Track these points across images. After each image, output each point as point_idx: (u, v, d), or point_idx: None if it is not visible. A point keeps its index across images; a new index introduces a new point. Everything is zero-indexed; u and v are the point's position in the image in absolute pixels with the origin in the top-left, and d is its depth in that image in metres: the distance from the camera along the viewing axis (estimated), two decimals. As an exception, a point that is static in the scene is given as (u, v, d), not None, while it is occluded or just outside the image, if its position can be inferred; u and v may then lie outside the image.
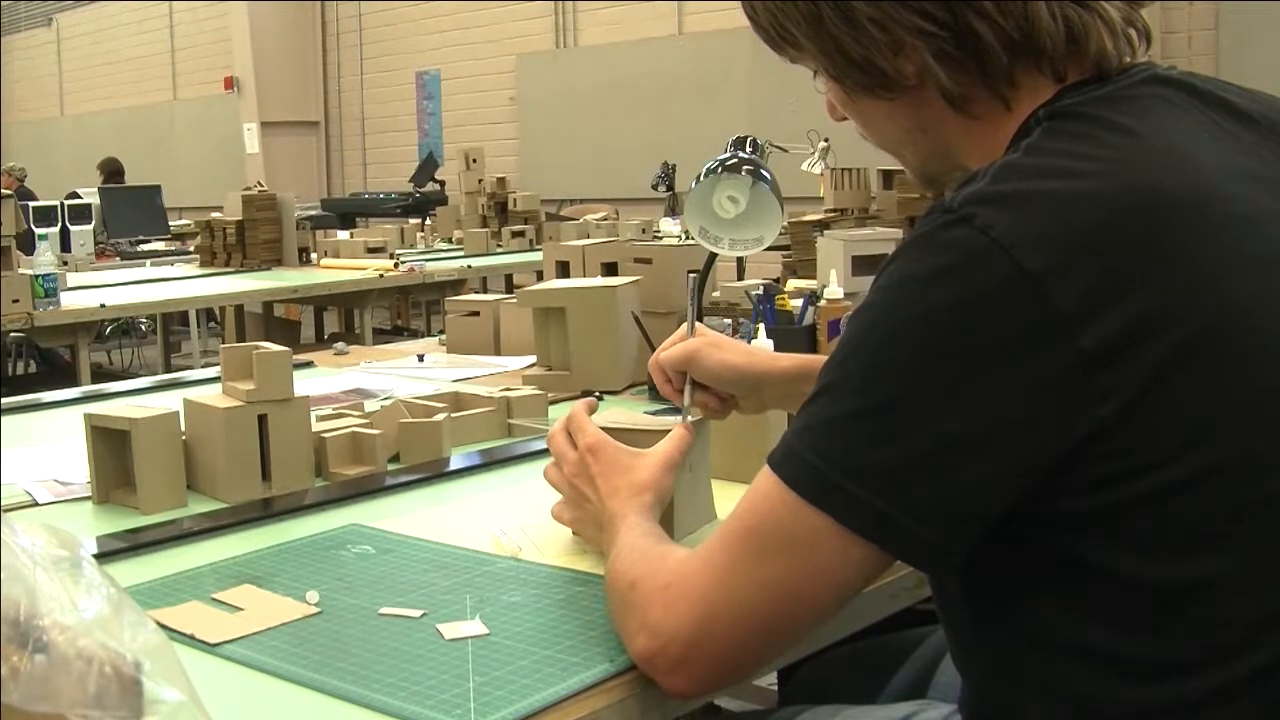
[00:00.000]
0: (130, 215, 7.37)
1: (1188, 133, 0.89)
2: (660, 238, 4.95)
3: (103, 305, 4.30)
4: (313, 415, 1.53)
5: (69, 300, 4.23)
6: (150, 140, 14.46)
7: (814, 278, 2.88)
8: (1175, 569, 0.83)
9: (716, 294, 3.40)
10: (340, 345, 2.60)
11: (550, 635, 1.02)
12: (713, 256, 1.88)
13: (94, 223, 6.66)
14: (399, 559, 1.23)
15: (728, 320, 3.38)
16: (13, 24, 17.53)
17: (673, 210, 6.44)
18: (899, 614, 1.21)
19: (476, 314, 2.44)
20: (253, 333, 5.88)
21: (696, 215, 1.78)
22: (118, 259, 6.71)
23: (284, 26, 12.83)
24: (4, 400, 2.10)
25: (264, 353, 1.46)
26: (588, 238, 4.47)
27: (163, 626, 0.83)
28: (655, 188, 7.17)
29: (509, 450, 1.66)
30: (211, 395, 1.49)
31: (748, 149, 1.83)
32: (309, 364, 2.38)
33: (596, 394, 1.91)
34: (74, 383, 3.62)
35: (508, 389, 1.84)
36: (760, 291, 2.08)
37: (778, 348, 1.58)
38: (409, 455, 1.60)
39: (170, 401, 1.50)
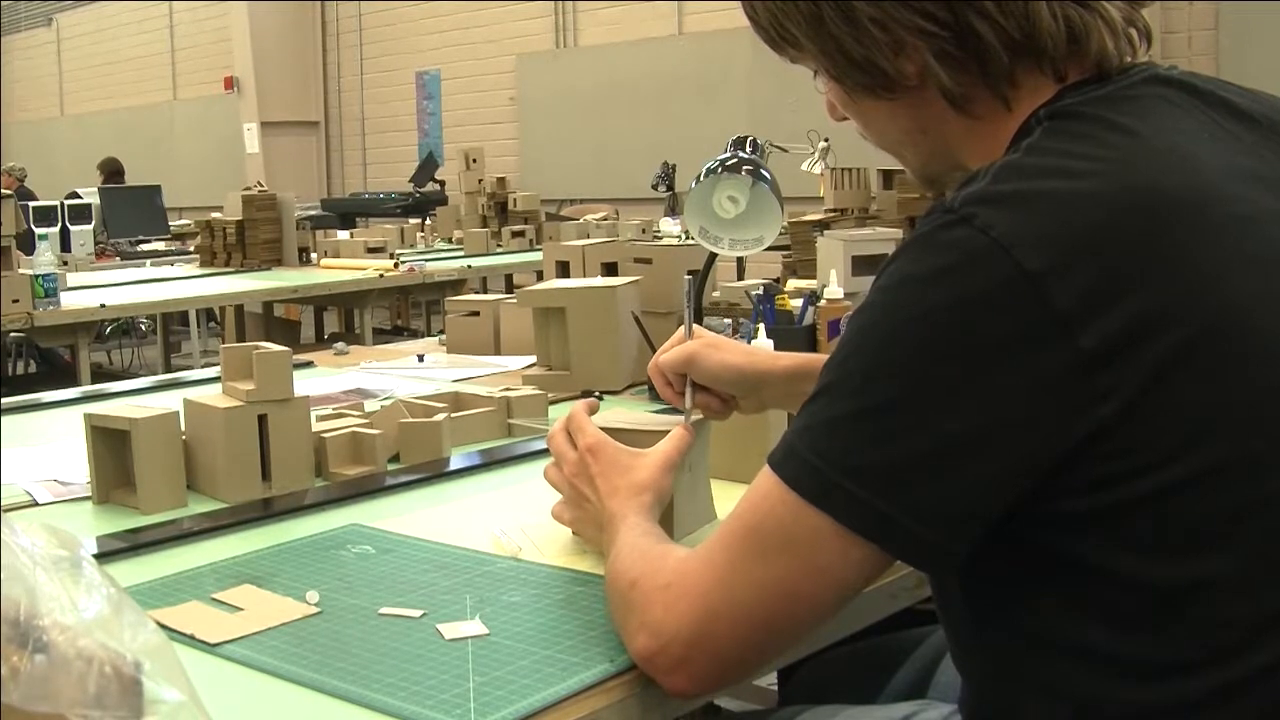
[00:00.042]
0: (130, 215, 7.37)
1: (1188, 133, 0.89)
2: (660, 238, 4.95)
3: (103, 305, 4.30)
4: (313, 415, 1.53)
5: (69, 300, 4.23)
6: (150, 140, 14.46)
7: (814, 278, 2.88)
8: (1175, 569, 0.83)
9: (716, 294, 3.40)
10: (340, 345, 2.60)
11: (550, 635, 1.02)
12: (713, 256, 1.89)
13: (94, 223, 6.66)
14: (399, 559, 1.23)
15: (728, 320, 3.38)
16: (13, 24, 17.53)
17: (673, 210, 6.44)
18: (899, 614, 1.21)
19: (476, 314, 2.44)
20: (253, 333, 5.88)
21: (696, 215, 1.78)
22: (118, 259, 6.71)
23: (284, 26, 12.84)
24: (4, 400, 2.10)
25: (264, 353, 1.46)
26: (588, 238, 4.47)
27: (163, 626, 0.83)
28: (655, 188, 7.17)
29: (509, 450, 1.66)
30: (211, 395, 1.49)
31: (748, 149, 1.83)
32: (309, 364, 2.38)
33: (597, 394, 1.91)
34: (74, 383, 3.62)
35: (508, 389, 1.84)
36: (760, 291, 2.08)
37: (778, 348, 1.58)
38: (409, 455, 1.60)
39: (170, 401, 1.50)
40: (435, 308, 6.78)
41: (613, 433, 1.20)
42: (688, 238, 2.33)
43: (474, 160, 6.40)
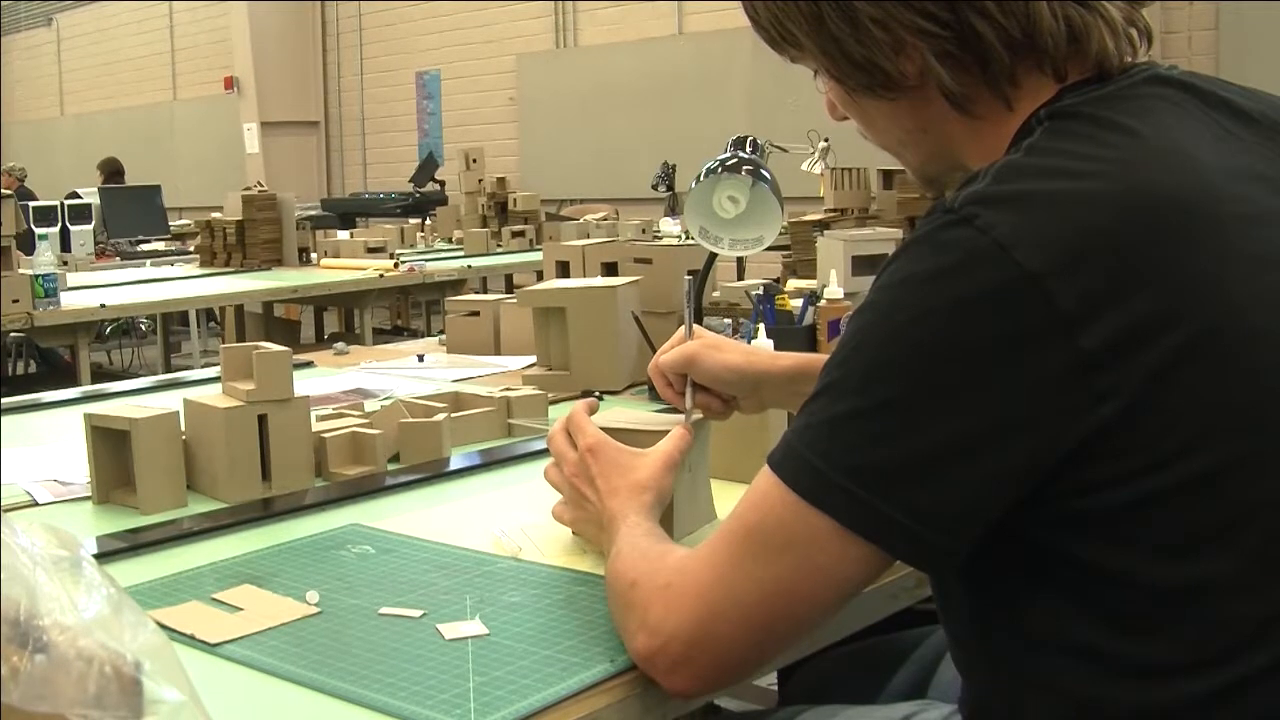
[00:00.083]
0: (130, 215, 7.37)
1: (1189, 132, 0.89)
2: (660, 238, 4.95)
3: (103, 305, 4.30)
4: (313, 415, 1.53)
5: (69, 300, 4.23)
6: (150, 140, 14.46)
7: (814, 278, 2.88)
8: (1176, 569, 0.82)
9: (716, 294, 3.40)
10: (340, 345, 2.60)
11: (550, 635, 1.02)
12: (713, 256, 1.89)
13: (94, 223, 6.66)
14: (399, 559, 1.23)
15: (728, 320, 3.38)
16: (13, 24, 17.53)
17: (673, 210, 6.44)
18: (899, 614, 1.21)
19: (476, 314, 2.44)
20: (253, 333, 5.88)
21: (696, 215, 1.78)
22: (118, 259, 6.71)
23: (284, 26, 12.84)
24: (4, 400, 2.10)
25: (264, 353, 1.46)
26: (588, 238, 4.47)
27: (163, 626, 0.83)
28: (655, 188, 7.18)
29: (509, 450, 1.66)
30: (211, 395, 1.49)
31: (748, 149, 1.83)
32: (309, 364, 2.38)
33: (597, 394, 1.91)
34: (74, 383, 3.62)
35: (508, 389, 1.84)
36: (760, 291, 2.08)
37: (778, 348, 1.58)
38: (409, 455, 1.60)
39: (170, 401, 1.50)
40: (435, 308, 6.78)
41: (613, 432, 1.20)
42: (688, 238, 2.33)
43: (474, 160, 6.40)
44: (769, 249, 1.90)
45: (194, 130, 14.25)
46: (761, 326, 1.85)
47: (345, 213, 9.21)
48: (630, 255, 2.32)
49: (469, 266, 5.42)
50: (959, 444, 0.82)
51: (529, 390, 1.83)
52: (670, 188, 7.04)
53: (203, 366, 3.99)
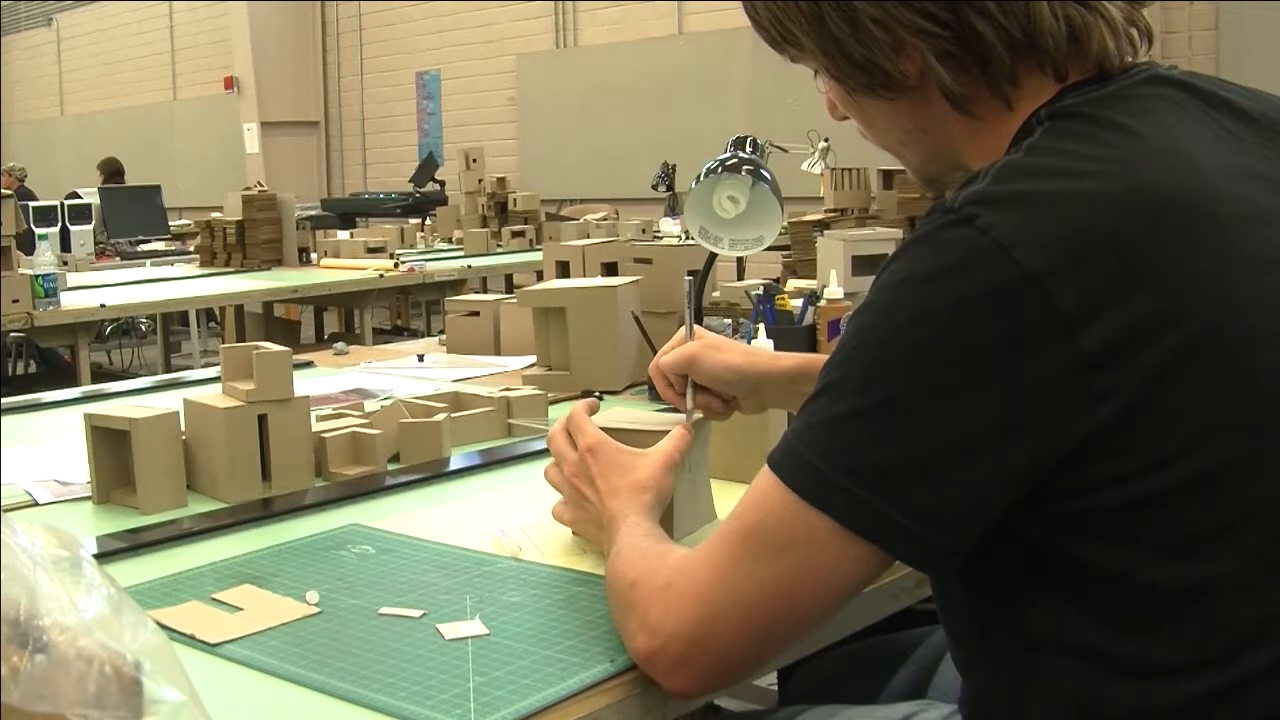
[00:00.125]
0: (130, 215, 7.37)
1: (1190, 132, 0.89)
2: (660, 238, 4.96)
3: (103, 305, 4.30)
4: (313, 415, 1.53)
5: (69, 300, 4.23)
6: (150, 140, 14.46)
7: (814, 278, 2.88)
8: (1176, 569, 0.82)
9: (716, 294, 3.40)
10: (340, 345, 2.60)
11: (550, 635, 1.02)
12: (713, 256, 1.89)
13: (94, 223, 6.66)
14: (399, 559, 1.23)
15: (728, 320, 3.38)
16: (13, 24, 17.53)
17: (673, 210, 6.44)
18: (899, 614, 1.21)
19: (476, 314, 2.44)
20: (253, 333, 5.88)
21: (696, 215, 1.78)
22: (118, 259, 6.71)
23: (284, 26, 12.84)
24: (4, 400, 2.10)
25: (264, 353, 1.46)
26: (588, 238, 4.47)
27: (163, 626, 0.83)
28: (655, 188, 7.17)
29: (509, 450, 1.66)
30: (211, 395, 1.49)
31: (748, 149, 1.83)
32: (309, 364, 2.38)
33: (597, 394, 1.91)
34: (74, 383, 3.62)
35: (508, 389, 1.84)
36: (760, 291, 2.08)
37: (778, 348, 1.58)
38: (409, 455, 1.60)
39: (170, 401, 1.50)
40: (435, 308, 6.78)
41: (613, 432, 1.20)
42: (688, 238, 2.33)
43: (474, 160, 6.40)
44: (769, 249, 1.90)
45: (194, 130, 14.25)
46: (761, 326, 1.85)
47: (345, 213, 9.21)
48: (630, 255, 2.32)
49: (469, 266, 5.42)
50: (959, 444, 0.82)
51: (529, 390, 1.83)
52: (670, 188, 7.04)
53: (203, 366, 3.99)
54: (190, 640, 1.02)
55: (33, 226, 5.57)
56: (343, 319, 6.47)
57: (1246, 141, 0.91)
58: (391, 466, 1.58)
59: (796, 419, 0.90)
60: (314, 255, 5.51)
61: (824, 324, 2.01)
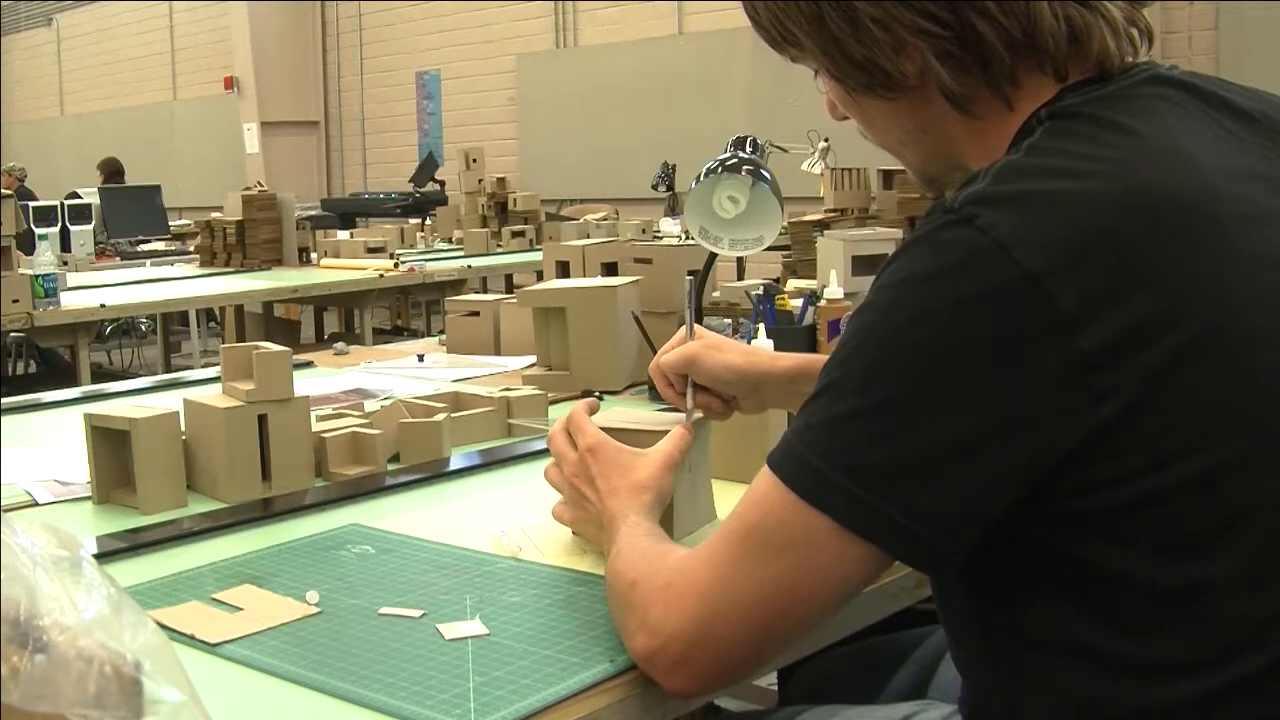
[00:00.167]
0: (130, 215, 7.37)
1: (1190, 132, 0.89)
2: (660, 238, 4.95)
3: (103, 305, 4.30)
4: (313, 415, 1.53)
5: (69, 300, 4.23)
6: (150, 140, 14.46)
7: (814, 278, 2.88)
8: (1176, 569, 0.82)
9: (716, 294, 3.40)
10: (340, 345, 2.60)
11: (550, 635, 1.02)
12: (713, 256, 1.89)
13: (94, 223, 6.66)
14: (399, 559, 1.23)
15: (728, 320, 3.38)
16: (13, 24, 17.53)
17: (673, 210, 6.44)
18: (899, 614, 1.21)
19: (476, 314, 2.44)
20: (253, 333, 5.88)
21: (696, 215, 1.78)
22: (118, 259, 6.71)
23: (284, 26, 12.84)
24: (4, 400, 2.10)
25: (264, 353, 1.46)
26: (588, 238, 4.47)
27: (163, 626, 0.83)
28: (655, 188, 7.17)
29: (509, 450, 1.66)
30: (211, 395, 1.49)
31: (748, 149, 1.83)
32: (309, 364, 2.38)
33: (597, 394, 1.91)
34: (74, 383, 3.62)
35: (508, 389, 1.84)
36: (760, 291, 2.08)
37: (778, 348, 1.58)
38: (409, 455, 1.60)
39: (170, 401, 1.50)
40: (435, 308, 6.78)
41: (613, 432, 1.20)
42: (688, 238, 2.33)
43: (474, 160, 6.40)
44: (769, 249, 1.90)
45: (194, 130, 14.25)
46: (761, 326, 1.85)
47: (345, 213, 9.21)
48: (630, 255, 2.32)
49: (469, 266, 5.42)
50: (959, 444, 0.82)
51: (529, 390, 1.83)
52: (670, 188, 7.04)
53: (203, 366, 3.99)
54: (190, 640, 1.02)
55: (33, 226, 5.57)
56: (343, 319, 6.47)
57: (1246, 141, 0.91)
58: (391, 466, 1.58)
59: (796, 419, 0.90)
60: (314, 255, 5.51)
61: (824, 324, 2.01)
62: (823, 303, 2.04)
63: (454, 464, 1.59)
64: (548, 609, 1.09)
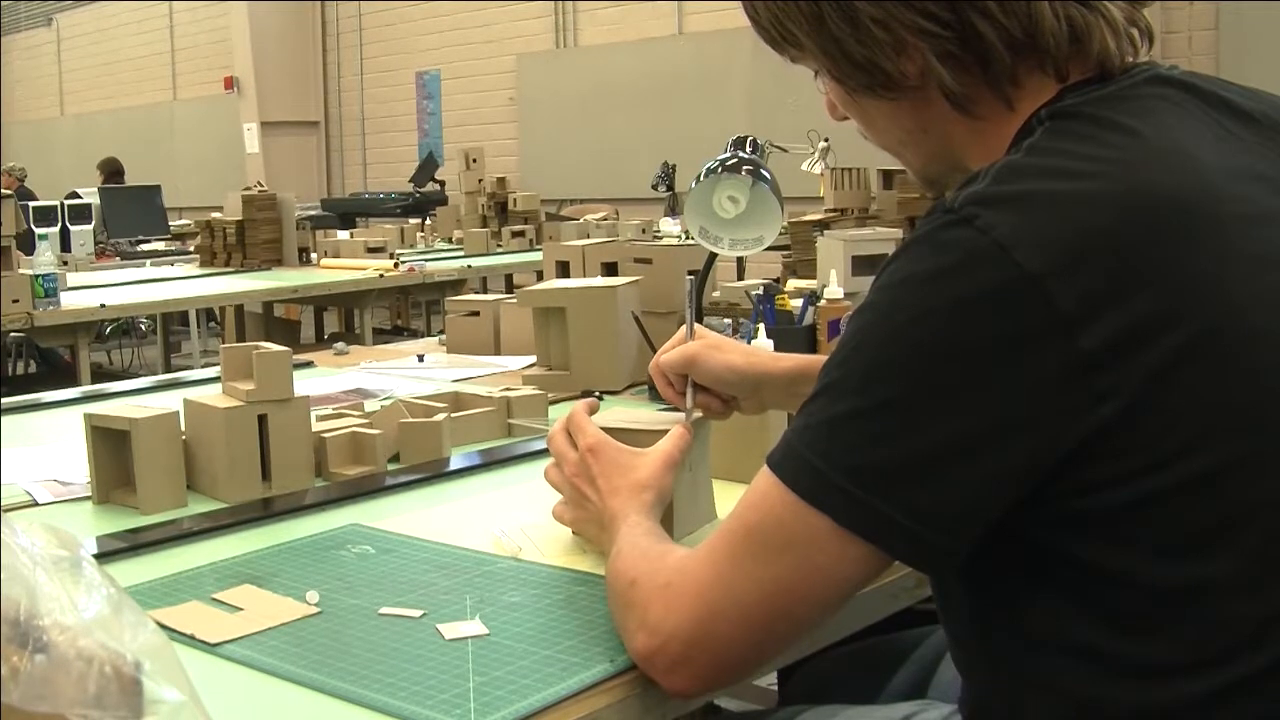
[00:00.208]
0: (130, 215, 7.37)
1: (1190, 132, 0.89)
2: (660, 238, 4.95)
3: (103, 305, 4.30)
4: (313, 415, 1.53)
5: (69, 300, 4.23)
6: (150, 140, 14.46)
7: (814, 278, 2.88)
8: (1176, 569, 0.82)
9: (716, 294, 3.40)
10: (340, 345, 2.60)
11: (550, 635, 1.02)
12: (713, 256, 1.88)
13: (94, 223, 6.66)
14: (399, 559, 1.23)
15: (728, 320, 3.38)
16: (13, 24, 17.54)
17: (673, 210, 6.44)
18: (899, 614, 1.21)
19: (476, 314, 2.44)
20: (253, 333, 5.88)
21: (696, 215, 1.78)
22: (118, 259, 6.72)
23: (284, 26, 12.84)
24: (4, 400, 2.10)
25: (264, 353, 1.46)
26: (588, 238, 4.47)
27: (163, 626, 0.83)
28: (655, 188, 7.18)
29: (509, 450, 1.66)
30: (211, 395, 1.49)
31: (748, 149, 1.83)
32: (309, 364, 2.38)
33: (597, 394, 1.91)
34: (74, 383, 3.62)
35: (508, 389, 1.84)
36: (760, 291, 2.08)
37: (778, 348, 1.58)
38: (409, 455, 1.60)
39: (170, 401, 1.50)
40: (435, 308, 6.78)
41: (613, 432, 1.20)
42: (688, 238, 2.33)
43: (474, 160, 6.40)
44: (769, 249, 1.90)
45: (194, 130, 14.26)
46: (761, 326, 1.85)
47: (345, 213, 9.21)
48: (630, 255, 2.32)
49: (469, 266, 5.42)
50: (959, 444, 0.82)
51: (529, 390, 1.83)
52: (670, 188, 7.05)
53: (203, 366, 3.99)
54: (190, 640, 1.02)
55: (33, 226, 5.58)
56: (343, 319, 6.47)
57: (1247, 141, 0.91)
58: (391, 466, 1.58)
59: (796, 419, 0.90)
60: (314, 255, 5.51)
61: (824, 324, 2.01)
62: (823, 303, 2.04)
63: (454, 464, 1.59)
64: (548, 609, 1.09)
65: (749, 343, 1.62)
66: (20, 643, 0.64)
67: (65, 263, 5.55)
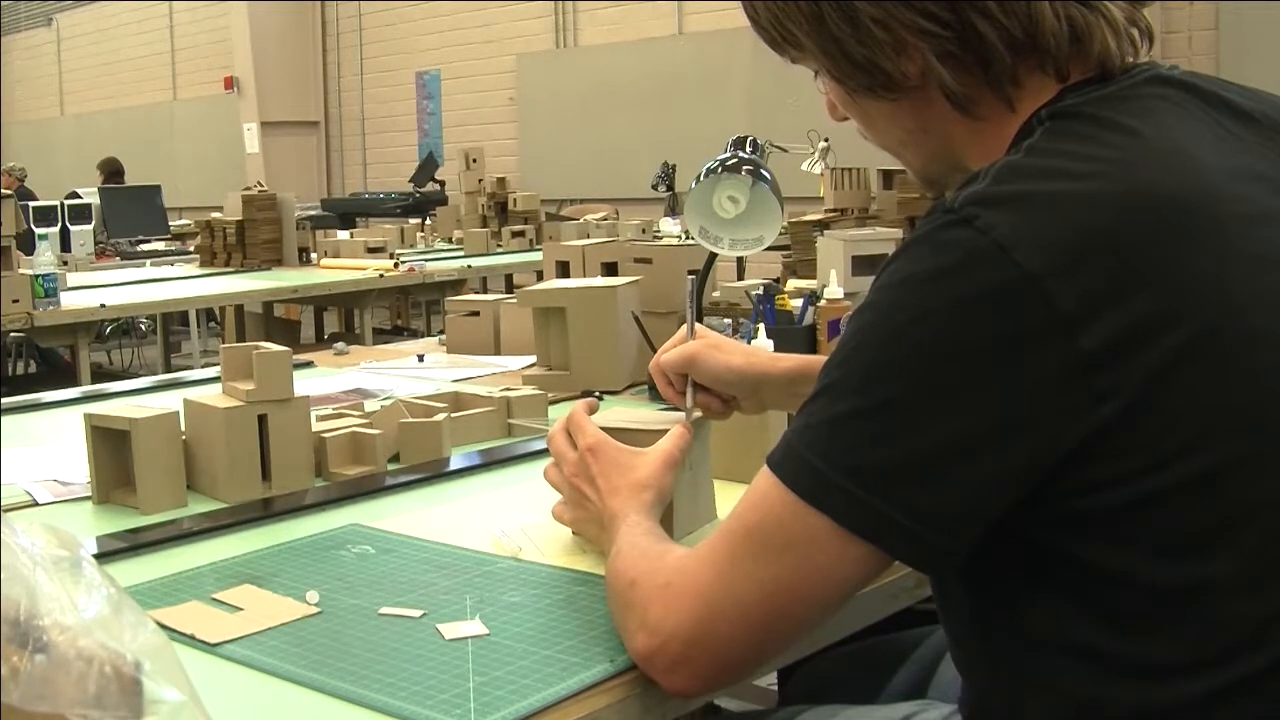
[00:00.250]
0: (130, 215, 7.37)
1: (1191, 133, 0.89)
2: (660, 238, 4.95)
3: (103, 305, 4.30)
4: (313, 415, 1.53)
5: (69, 300, 4.23)
6: (150, 140, 14.46)
7: (814, 278, 2.88)
8: (1176, 569, 0.82)
9: (716, 294, 3.40)
10: (340, 345, 2.60)
11: (550, 635, 1.02)
12: (713, 256, 1.88)
13: (94, 223, 6.66)
14: (399, 559, 1.23)
15: (728, 320, 3.38)
16: (13, 24, 17.53)
17: (673, 210, 6.44)
18: (899, 614, 1.21)
19: (476, 314, 2.44)
20: (253, 333, 5.88)
21: (696, 215, 1.78)
22: (118, 259, 6.71)
23: (284, 26, 12.84)
24: (4, 400, 2.10)
25: (264, 353, 1.46)
26: (588, 238, 4.47)
27: (163, 626, 0.83)
28: (655, 188, 7.18)
29: (509, 450, 1.66)
30: (211, 395, 1.49)
31: (748, 149, 1.83)
32: (309, 364, 2.38)
33: (596, 394, 1.91)
34: (74, 383, 3.62)
35: (508, 389, 1.84)
36: (760, 291, 2.08)
37: (778, 348, 1.58)
38: (409, 455, 1.60)
39: (170, 401, 1.50)
40: (435, 308, 6.78)
41: (613, 432, 1.20)
42: (688, 238, 2.33)
43: (474, 160, 6.40)
44: (769, 249, 1.90)
45: (194, 130, 14.26)
46: (761, 326, 1.85)
47: (345, 213, 9.21)
48: (630, 255, 2.32)
49: (469, 266, 5.42)
50: (959, 444, 0.82)
51: (529, 390, 1.83)
52: (670, 188, 7.05)
53: (203, 366, 3.99)
54: (190, 640, 1.02)
55: (33, 226, 5.58)
56: (343, 319, 6.47)
57: (1247, 141, 0.91)
58: (391, 466, 1.58)
59: (796, 419, 0.90)
60: (314, 255, 5.51)
61: (824, 324, 2.01)
62: (823, 303, 2.04)
63: (454, 464, 1.59)
64: (548, 609, 1.09)
65: (749, 343, 1.62)
66: (20, 643, 0.64)
67: (65, 263, 5.55)
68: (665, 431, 1.18)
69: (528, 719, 0.88)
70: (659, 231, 5.35)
